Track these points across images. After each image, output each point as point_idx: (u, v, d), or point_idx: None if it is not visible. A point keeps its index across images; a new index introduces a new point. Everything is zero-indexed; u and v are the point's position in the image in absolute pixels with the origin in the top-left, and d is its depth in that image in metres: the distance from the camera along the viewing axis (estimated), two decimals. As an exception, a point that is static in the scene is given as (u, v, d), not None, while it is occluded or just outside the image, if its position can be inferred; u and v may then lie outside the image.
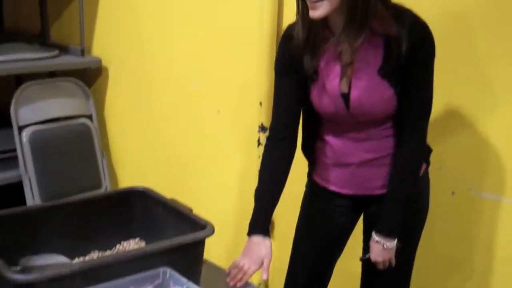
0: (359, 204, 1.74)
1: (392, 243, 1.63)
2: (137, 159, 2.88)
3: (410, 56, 1.47)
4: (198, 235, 1.48)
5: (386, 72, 1.51)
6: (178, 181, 2.59)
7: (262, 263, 1.62)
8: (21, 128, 2.69)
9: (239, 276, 1.61)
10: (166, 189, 1.80)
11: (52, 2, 3.06)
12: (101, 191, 2.83)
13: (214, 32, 2.37)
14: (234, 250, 2.34)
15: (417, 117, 1.57)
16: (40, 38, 3.07)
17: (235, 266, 1.63)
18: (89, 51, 2.98)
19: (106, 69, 2.92)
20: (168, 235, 1.53)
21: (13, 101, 2.68)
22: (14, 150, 2.70)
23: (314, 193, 1.81)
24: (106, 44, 2.93)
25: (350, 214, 1.78)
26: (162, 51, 2.63)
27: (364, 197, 1.70)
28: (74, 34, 2.98)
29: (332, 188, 1.73)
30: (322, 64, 1.56)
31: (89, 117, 2.88)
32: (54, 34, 3.12)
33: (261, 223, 1.67)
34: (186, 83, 2.52)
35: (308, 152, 1.77)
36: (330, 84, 1.56)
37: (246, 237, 2.23)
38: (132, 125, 2.86)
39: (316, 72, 1.57)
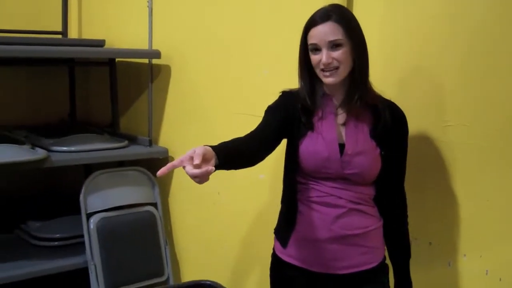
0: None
1: None
2: (200, 247, 2.92)
3: (394, 127, 1.75)
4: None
5: (375, 134, 1.75)
6: (243, 277, 2.61)
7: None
8: (89, 215, 2.78)
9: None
10: (229, 284, 1.83)
11: (122, 94, 3.23)
12: (163, 279, 2.86)
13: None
14: None
15: (402, 181, 1.82)
16: (110, 129, 3.22)
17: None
18: (156, 142, 3.10)
19: (172, 159, 3.03)
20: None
21: (83, 189, 2.79)
22: (82, 236, 2.79)
23: (281, 277, 1.87)
24: (172, 135, 3.05)
25: None
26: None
27: (330, 277, 1.77)
28: (142, 126, 3.12)
29: (301, 264, 1.79)
30: (318, 117, 1.78)
31: (154, 205, 2.97)
32: (123, 125, 3.27)
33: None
34: (250, 173, 2.58)
35: (280, 226, 1.88)
36: (327, 132, 1.76)
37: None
38: (196, 214, 2.92)
39: (311, 123, 1.77)
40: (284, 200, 1.88)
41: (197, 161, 1.43)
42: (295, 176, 1.82)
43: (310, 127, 1.77)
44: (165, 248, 2.92)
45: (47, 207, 3.23)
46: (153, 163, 3.07)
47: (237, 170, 2.64)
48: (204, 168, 1.42)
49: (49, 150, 2.75)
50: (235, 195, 2.69)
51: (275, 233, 1.92)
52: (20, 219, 3.10)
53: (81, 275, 2.79)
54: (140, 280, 2.76)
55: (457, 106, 1.88)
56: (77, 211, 2.82)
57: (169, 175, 3.06)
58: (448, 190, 1.91)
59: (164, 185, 3.06)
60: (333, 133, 1.75)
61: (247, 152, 1.70)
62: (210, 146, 1.54)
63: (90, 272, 2.72)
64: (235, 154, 1.64)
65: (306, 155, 1.76)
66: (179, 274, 3.03)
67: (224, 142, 1.64)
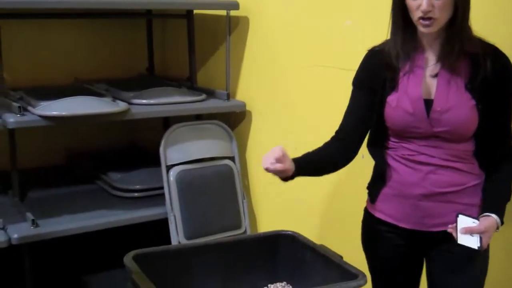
0: (415, 248, 1.76)
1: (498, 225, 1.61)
2: (277, 201, 2.91)
3: (497, 76, 1.60)
4: (350, 284, 1.46)
5: (472, 87, 1.61)
6: (320, 228, 2.58)
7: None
8: (168, 168, 2.81)
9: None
10: (306, 235, 1.80)
11: (200, 49, 3.21)
12: (241, 232, 2.88)
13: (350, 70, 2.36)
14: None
15: (505, 135, 1.67)
16: (188, 83, 3.22)
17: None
18: (234, 95, 3.08)
19: (250, 113, 3.01)
20: (316, 281, 1.53)
21: (162, 142, 2.82)
22: (162, 188, 2.83)
23: (371, 232, 1.86)
24: (250, 88, 3.02)
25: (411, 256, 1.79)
26: (304, 96, 2.66)
27: (420, 234, 1.71)
28: (220, 79, 3.11)
29: (389, 220, 1.75)
30: (405, 72, 1.67)
31: (232, 158, 2.97)
32: (201, 78, 3.27)
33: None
34: (329, 127, 2.53)
35: (371, 181, 1.85)
36: (413, 89, 1.65)
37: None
38: (273, 168, 2.90)
39: (396, 81, 1.68)
40: (375, 155, 1.82)
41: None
42: (384, 135, 1.75)
43: (396, 84, 1.68)
44: (242, 202, 2.93)
45: (127, 160, 3.30)
46: (231, 117, 3.06)
47: (316, 121, 2.61)
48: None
49: (129, 103, 2.79)
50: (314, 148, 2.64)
51: (367, 188, 1.90)
52: (102, 171, 3.17)
53: (160, 226, 2.84)
54: (218, 232, 2.78)
55: None
56: (156, 164, 2.86)
57: (246, 129, 3.04)
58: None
59: (241, 139, 3.05)
60: (419, 90, 1.65)
61: (329, 167, 1.85)
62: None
63: (170, 222, 2.76)
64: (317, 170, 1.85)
65: (392, 115, 1.69)
66: (256, 228, 3.04)
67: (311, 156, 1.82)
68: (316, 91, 2.60)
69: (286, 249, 1.74)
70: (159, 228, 2.84)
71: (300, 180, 2.71)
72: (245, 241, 1.78)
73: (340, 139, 1.82)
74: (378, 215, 1.80)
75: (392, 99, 1.68)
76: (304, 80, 2.65)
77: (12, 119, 2.48)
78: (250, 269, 1.72)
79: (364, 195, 2.37)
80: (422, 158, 1.67)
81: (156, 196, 2.95)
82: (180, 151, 2.85)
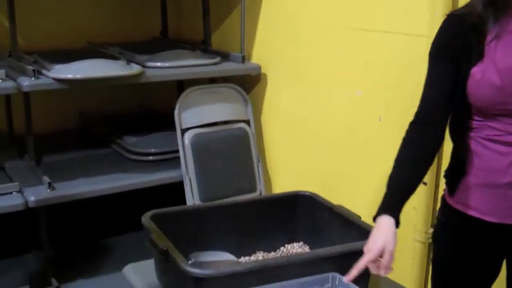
0: (498, 246, 1.55)
1: None
2: (292, 165, 2.90)
3: None
4: (368, 242, 1.44)
5: None
6: (337, 189, 2.57)
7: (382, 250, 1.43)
8: (183, 131, 2.81)
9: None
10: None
11: (214, 11, 3.17)
12: (256, 195, 2.88)
13: (376, 32, 2.32)
14: (396, 259, 2.28)
15: None
16: (202, 45, 3.19)
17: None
18: (249, 58, 3.05)
19: (265, 76, 2.98)
20: (333, 241, 1.52)
21: (177, 105, 2.80)
22: (177, 151, 2.82)
23: (448, 225, 1.63)
24: (265, 51, 2.99)
25: (490, 258, 1.57)
26: (320, 58, 2.63)
27: (508, 229, 1.50)
28: (234, 42, 3.07)
29: (472, 213, 1.53)
30: (492, 38, 1.45)
31: (247, 122, 2.95)
32: (216, 41, 3.24)
33: (391, 205, 1.48)
34: (345, 89, 2.50)
35: (450, 168, 1.62)
36: (501, 59, 1.43)
37: (404, 250, 2.16)
38: (289, 131, 2.89)
39: (481, 49, 1.45)
40: (455, 137, 1.60)
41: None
42: (466, 113, 1.51)
43: (481, 53, 1.45)
44: (257, 165, 2.93)
45: (142, 124, 3.29)
46: (246, 80, 3.04)
47: (333, 85, 2.58)
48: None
49: (143, 66, 2.77)
50: (329, 113, 2.62)
51: (445, 176, 1.66)
52: (116, 135, 3.17)
53: (175, 190, 2.84)
54: (233, 195, 2.78)
55: None
56: (171, 127, 2.85)
57: (261, 92, 3.02)
58: None
59: (256, 103, 3.03)
60: (509, 60, 1.42)
61: (428, 164, 1.54)
62: (393, 212, 1.46)
63: (185, 185, 2.76)
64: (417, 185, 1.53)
65: (476, 89, 1.46)
66: (271, 191, 3.03)
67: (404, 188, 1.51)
68: (334, 54, 2.56)
69: (304, 210, 1.73)
70: (174, 192, 2.85)
71: (316, 143, 2.72)
72: (262, 202, 1.78)
73: (426, 124, 1.53)
74: (458, 207, 1.57)
75: (476, 71, 1.45)
76: (323, 42, 2.61)
77: (26, 82, 2.48)
78: (267, 229, 1.72)
79: (381, 157, 2.36)
80: (511, 138, 1.45)
81: (171, 160, 2.95)
82: (194, 114, 2.84)
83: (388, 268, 1.41)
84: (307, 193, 1.73)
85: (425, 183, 2.14)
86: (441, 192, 2.13)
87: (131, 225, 2.66)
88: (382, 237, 1.42)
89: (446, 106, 1.52)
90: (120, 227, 3.24)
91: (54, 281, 2.77)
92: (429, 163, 1.53)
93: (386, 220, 1.44)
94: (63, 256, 3.02)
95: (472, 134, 1.51)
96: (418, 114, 1.54)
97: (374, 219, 1.48)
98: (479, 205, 1.51)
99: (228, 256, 1.65)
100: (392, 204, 1.48)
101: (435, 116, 1.52)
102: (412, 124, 1.55)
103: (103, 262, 3.00)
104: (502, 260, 1.61)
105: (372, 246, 1.41)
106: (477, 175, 1.51)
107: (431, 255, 2.20)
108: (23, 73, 2.56)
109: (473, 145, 1.50)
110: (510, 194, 1.46)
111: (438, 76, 1.52)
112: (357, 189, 2.50)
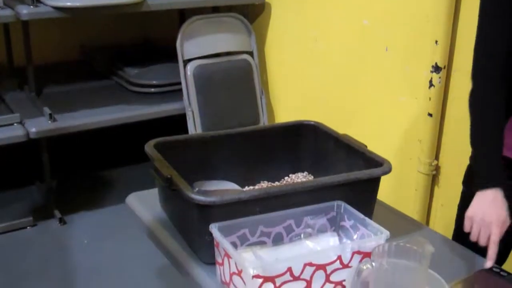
0: None
1: None
2: (296, 97, 2.87)
3: None
4: (375, 171, 1.43)
5: None
6: (340, 120, 2.54)
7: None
8: (185, 62, 2.76)
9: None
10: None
11: None
12: (259, 127, 2.86)
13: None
14: (399, 191, 2.29)
15: None
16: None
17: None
18: (252, -14, 2.97)
19: (269, 5, 2.91)
20: (338, 170, 1.50)
21: (179, 36, 2.75)
22: (179, 83, 2.78)
23: None
24: (270, -20, 2.91)
25: None
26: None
27: None
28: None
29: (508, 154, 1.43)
30: None
31: (250, 53, 2.90)
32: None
33: (496, 174, 1.34)
34: (352, 18, 2.44)
35: None
36: None
37: (408, 182, 2.15)
38: (293, 63, 2.84)
39: None
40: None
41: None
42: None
43: None
44: (261, 98, 2.89)
45: (144, 55, 3.24)
46: (250, 9, 2.96)
47: (337, 15, 2.52)
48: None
49: (144, -6, 2.69)
50: (334, 43, 2.56)
51: None
52: (118, 66, 3.13)
53: (178, 122, 2.82)
54: (236, 128, 2.75)
55: None
56: (173, 59, 2.80)
57: (265, 23, 2.96)
58: None
59: (260, 33, 2.97)
60: None
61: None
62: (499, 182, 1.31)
63: (187, 117, 2.74)
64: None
65: None
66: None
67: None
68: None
69: (309, 139, 1.70)
70: (177, 124, 2.83)
71: (321, 74, 2.67)
72: (267, 131, 1.74)
73: (495, 77, 1.35)
74: None
75: None
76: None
77: (25, 10, 2.42)
78: (272, 159, 1.69)
79: (386, 86, 2.33)
80: None
81: (173, 92, 2.92)
82: (197, 45, 2.79)
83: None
84: (312, 123, 1.70)
85: (431, 115, 2.11)
86: (446, 124, 2.11)
87: (133, 157, 2.67)
88: (504, 208, 1.30)
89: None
90: (123, 159, 3.24)
91: (57, 213, 2.79)
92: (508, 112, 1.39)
93: (499, 194, 1.31)
94: (66, 188, 3.03)
95: None
96: (484, 55, 1.36)
97: (477, 185, 1.35)
98: None
99: (232, 185, 1.63)
100: (498, 175, 1.34)
101: (504, 50, 1.33)
102: (477, 77, 1.38)
103: (106, 194, 3.01)
104: None
105: (499, 218, 1.28)
106: None
107: (432, 187, 2.20)
108: (22, 1, 2.50)
109: None
110: None
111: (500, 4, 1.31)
112: (363, 119, 2.47)
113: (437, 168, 2.19)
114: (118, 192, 2.90)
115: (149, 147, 1.52)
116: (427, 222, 2.26)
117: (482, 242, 1.30)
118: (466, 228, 1.34)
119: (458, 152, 2.05)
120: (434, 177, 2.21)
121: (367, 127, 2.43)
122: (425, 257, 1.11)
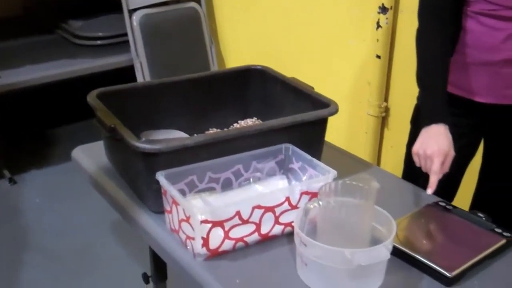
0: (485, 121, 1.49)
1: None
2: (246, 45, 2.83)
3: None
4: (321, 112, 1.42)
5: None
6: (290, 65, 2.52)
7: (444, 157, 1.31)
8: (131, 12, 2.68)
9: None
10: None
11: None
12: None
13: None
14: (350, 134, 2.29)
15: None
16: None
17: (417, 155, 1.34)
18: None
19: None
20: (287, 113, 1.48)
21: (123, -17, 2.66)
22: (125, 34, 2.71)
23: None
24: None
25: (471, 136, 1.53)
26: None
27: (497, 110, 1.44)
28: None
29: (461, 93, 1.46)
30: None
31: (198, 1, 2.83)
32: None
33: (440, 110, 1.36)
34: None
35: None
36: None
37: (357, 125, 2.16)
38: (241, 10, 2.78)
39: None
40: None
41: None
42: None
43: None
44: (210, 47, 2.84)
45: (88, 6, 3.13)
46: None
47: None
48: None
49: None
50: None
51: None
52: (61, 19, 3.03)
53: (127, 74, 2.76)
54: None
55: None
56: (119, 9, 2.72)
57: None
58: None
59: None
60: None
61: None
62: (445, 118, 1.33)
63: (136, 70, 2.68)
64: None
65: None
66: (225, 73, 2.97)
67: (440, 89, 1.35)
68: None
69: (256, 84, 1.67)
70: (126, 77, 2.76)
71: (268, 20, 2.63)
72: (214, 77, 1.70)
73: (439, 12, 1.37)
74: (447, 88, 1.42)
75: None
76: None
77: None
78: (220, 106, 1.67)
79: (334, 30, 2.31)
80: (506, 13, 1.32)
81: (120, 44, 2.85)
82: (142, -7, 2.71)
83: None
84: (259, 67, 1.67)
85: (379, 57, 2.11)
86: (395, 67, 2.12)
87: (82, 113, 2.60)
88: (446, 141, 1.32)
89: None
90: (72, 115, 3.17)
91: (6, 173, 2.72)
92: (453, 51, 1.42)
93: (442, 128, 1.33)
94: (15, 147, 2.96)
95: (465, 9, 1.38)
96: (429, 3, 1.39)
97: (422, 122, 1.37)
98: (469, 85, 1.44)
99: (180, 134, 1.61)
100: (441, 111, 1.36)
101: (449, 2, 1.36)
102: (424, 16, 1.40)
103: (56, 151, 2.96)
104: (481, 139, 1.58)
105: (440, 149, 1.30)
106: (467, 53, 1.41)
107: (382, 129, 2.21)
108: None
109: (465, 21, 1.39)
110: (503, 72, 1.39)
111: None
112: (312, 64, 2.46)
113: (387, 110, 2.20)
114: (69, 149, 2.83)
115: (92, 97, 1.48)
116: (378, 164, 2.29)
117: (428, 174, 1.32)
118: (416, 164, 1.36)
119: (407, 93, 2.05)
120: (383, 119, 2.23)
121: (317, 71, 2.42)
122: (371, 194, 1.12)
